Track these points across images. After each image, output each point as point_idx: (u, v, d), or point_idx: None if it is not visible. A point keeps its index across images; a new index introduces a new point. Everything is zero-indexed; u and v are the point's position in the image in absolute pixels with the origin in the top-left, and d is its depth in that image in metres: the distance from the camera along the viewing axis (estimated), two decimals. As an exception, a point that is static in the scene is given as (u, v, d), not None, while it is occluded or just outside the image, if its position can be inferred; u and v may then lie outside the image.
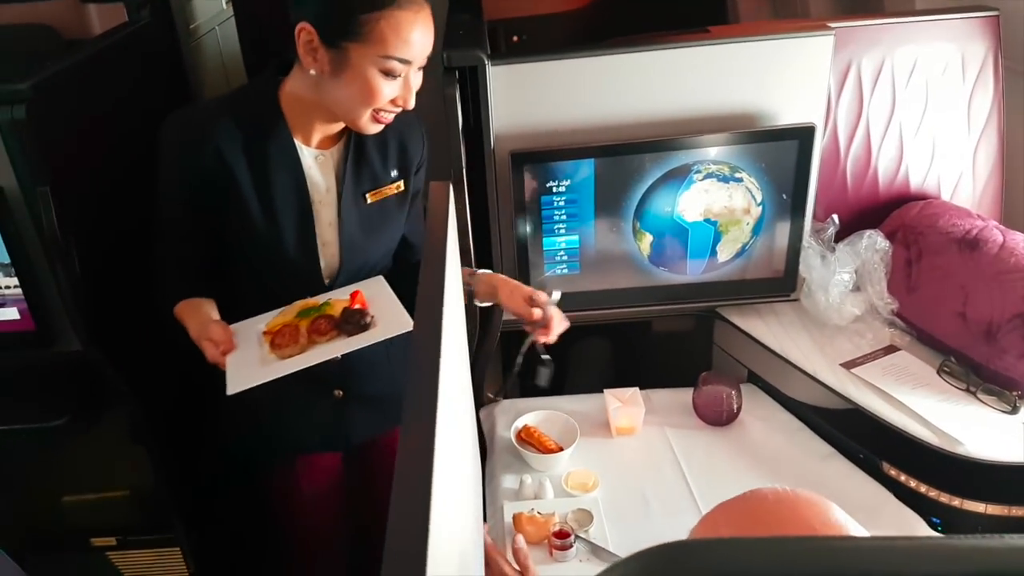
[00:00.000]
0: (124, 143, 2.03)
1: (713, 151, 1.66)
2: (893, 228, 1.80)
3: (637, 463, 1.64)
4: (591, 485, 1.57)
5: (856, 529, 0.66)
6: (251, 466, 1.76)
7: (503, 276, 1.59)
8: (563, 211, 1.70)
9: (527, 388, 2.18)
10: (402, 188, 1.51)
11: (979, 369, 1.56)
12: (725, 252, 1.79)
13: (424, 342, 0.69)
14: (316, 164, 1.43)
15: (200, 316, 1.40)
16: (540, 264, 1.76)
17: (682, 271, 1.80)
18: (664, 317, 1.99)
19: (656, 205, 1.72)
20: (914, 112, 1.81)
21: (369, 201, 1.47)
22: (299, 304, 1.38)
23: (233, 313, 1.44)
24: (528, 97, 1.64)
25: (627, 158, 1.65)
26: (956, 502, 1.45)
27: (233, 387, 1.22)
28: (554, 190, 1.67)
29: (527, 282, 1.78)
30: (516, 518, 1.47)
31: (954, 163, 1.86)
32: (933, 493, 1.47)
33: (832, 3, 2.47)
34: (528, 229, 1.72)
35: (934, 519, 1.46)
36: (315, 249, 1.45)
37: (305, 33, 1.26)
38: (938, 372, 1.60)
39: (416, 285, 1.50)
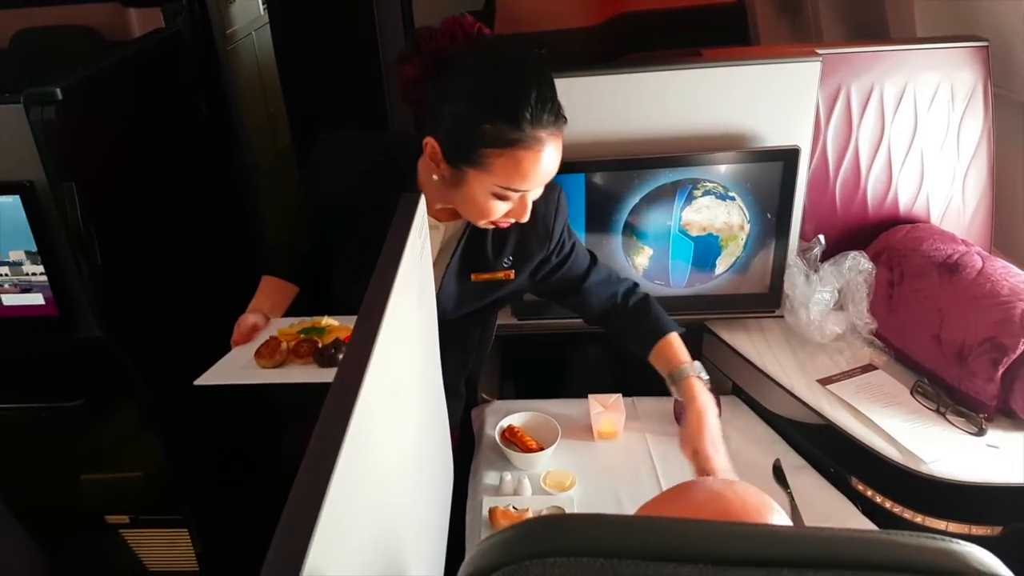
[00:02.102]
0: (153, 142, 2.15)
1: (701, 170, 1.72)
2: (879, 250, 1.84)
3: (615, 466, 1.70)
4: (568, 485, 1.63)
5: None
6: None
7: (699, 409, 1.49)
8: (554, 222, 1.77)
9: (522, 391, 2.26)
10: (512, 277, 1.54)
11: (951, 391, 1.60)
12: (721, 266, 1.85)
13: (355, 352, 0.75)
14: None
15: (258, 300, 1.51)
16: (533, 272, 1.84)
17: (670, 283, 1.86)
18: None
19: (648, 221, 1.78)
20: (903, 137, 1.85)
21: (473, 280, 1.53)
22: (315, 320, 1.46)
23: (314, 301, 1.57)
24: (524, 112, 1.72)
25: (615, 174, 1.72)
26: (919, 519, 1.49)
27: (203, 379, 1.28)
28: (546, 202, 1.75)
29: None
30: (492, 512, 1.54)
31: (944, 188, 1.89)
32: (897, 509, 1.51)
33: (843, 27, 2.52)
34: (521, 238, 1.79)
35: (897, 534, 1.50)
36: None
37: (430, 147, 1.31)
38: (911, 392, 1.64)
39: (625, 336, 1.62)
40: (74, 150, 1.72)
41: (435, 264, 1.51)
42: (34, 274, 1.83)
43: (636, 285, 1.65)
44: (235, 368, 1.33)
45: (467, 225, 1.49)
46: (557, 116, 1.27)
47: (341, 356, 1.28)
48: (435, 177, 1.35)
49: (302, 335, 1.38)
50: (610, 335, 1.67)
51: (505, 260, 1.53)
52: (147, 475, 2.19)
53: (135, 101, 2.06)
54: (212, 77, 2.82)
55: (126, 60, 2.11)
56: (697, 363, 1.57)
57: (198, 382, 1.27)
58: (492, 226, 1.40)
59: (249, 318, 1.43)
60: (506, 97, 1.23)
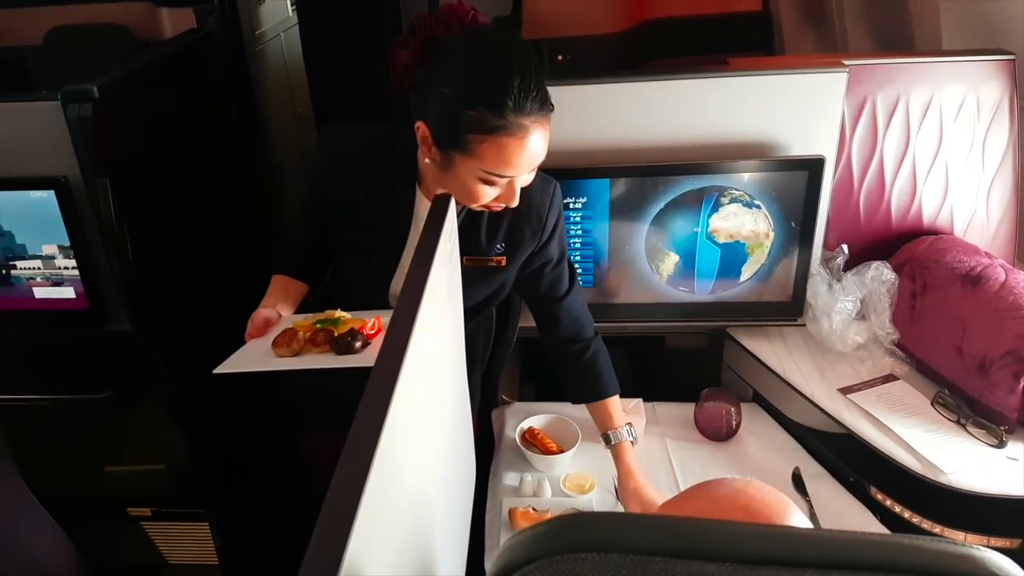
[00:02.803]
0: (184, 141, 2.18)
1: (725, 178, 1.73)
2: (902, 261, 1.85)
3: (634, 470, 1.71)
4: (587, 487, 1.64)
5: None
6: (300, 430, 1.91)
7: (632, 466, 1.61)
8: (578, 226, 1.79)
9: (542, 393, 2.27)
10: (503, 264, 1.56)
11: (971, 402, 1.60)
12: (746, 273, 1.85)
13: (389, 351, 0.77)
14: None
15: (270, 298, 1.54)
16: (556, 275, 1.85)
17: (694, 290, 1.87)
18: (677, 334, 2.06)
19: (674, 227, 1.79)
20: (928, 148, 1.85)
21: (465, 263, 1.54)
22: (328, 313, 1.49)
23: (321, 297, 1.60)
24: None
25: (640, 180, 1.74)
26: (938, 529, 1.49)
27: (222, 368, 1.30)
28: (571, 206, 1.77)
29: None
30: (512, 512, 1.56)
31: (968, 200, 1.89)
32: (916, 519, 1.51)
33: (869, 38, 2.52)
34: (545, 241, 1.81)
35: (915, 544, 1.50)
36: (386, 286, 1.57)
37: (421, 131, 1.34)
38: (932, 403, 1.64)
39: (576, 375, 1.68)
40: (108, 147, 1.75)
41: None
42: (66, 268, 1.86)
43: (598, 333, 1.71)
44: (253, 357, 1.35)
45: (463, 209, 1.51)
46: (542, 104, 1.28)
47: (358, 344, 1.32)
48: (427, 160, 1.38)
49: (318, 326, 1.41)
50: (557, 365, 1.72)
51: (498, 246, 1.55)
52: (170, 469, 2.23)
53: (168, 100, 2.09)
54: (241, 77, 2.85)
55: (160, 59, 2.15)
56: (628, 426, 1.66)
57: (217, 371, 1.29)
58: (484, 209, 1.42)
59: (262, 312, 1.45)
60: (489, 84, 1.24)
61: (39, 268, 1.87)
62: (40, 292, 1.89)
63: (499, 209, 1.42)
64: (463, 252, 1.54)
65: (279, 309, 1.49)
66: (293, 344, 1.34)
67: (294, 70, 3.73)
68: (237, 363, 1.33)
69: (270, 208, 2.97)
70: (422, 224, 1.48)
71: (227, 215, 2.42)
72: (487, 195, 1.36)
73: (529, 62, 1.27)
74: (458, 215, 1.52)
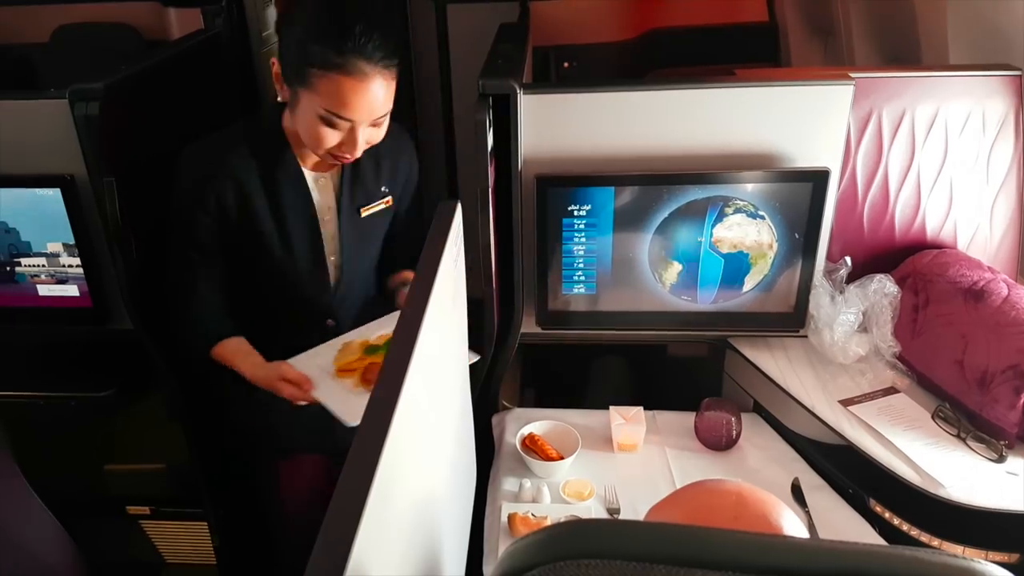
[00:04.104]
0: (190, 141, 2.18)
1: (730, 188, 1.74)
2: (905, 274, 1.85)
3: (634, 478, 1.71)
4: (587, 494, 1.64)
5: (797, 532, 0.71)
6: (248, 462, 1.95)
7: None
8: (582, 234, 1.79)
9: (542, 400, 2.28)
10: (390, 203, 1.66)
11: (972, 417, 1.60)
12: (748, 284, 1.85)
13: (394, 358, 0.77)
14: (317, 186, 1.58)
15: (254, 358, 1.55)
16: (559, 282, 1.85)
17: (697, 299, 1.87)
18: (679, 342, 2.07)
19: (678, 236, 1.79)
20: (933, 162, 1.85)
21: (363, 215, 1.63)
22: (362, 340, 1.48)
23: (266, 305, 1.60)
24: (556, 125, 1.74)
25: (645, 189, 1.74)
26: (936, 542, 1.49)
27: (354, 419, 1.30)
28: (575, 213, 1.77)
29: (545, 298, 1.87)
30: (511, 518, 1.56)
31: (971, 215, 1.89)
32: (915, 532, 1.51)
33: (876, 52, 2.53)
34: (548, 248, 1.81)
35: (913, 557, 1.51)
36: (324, 263, 1.60)
37: (275, 66, 1.42)
38: (932, 416, 1.64)
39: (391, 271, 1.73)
40: (115, 146, 1.75)
41: (331, 212, 1.61)
42: (70, 266, 1.87)
43: None
44: (356, 398, 1.37)
45: (344, 166, 1.58)
46: (385, 53, 1.34)
47: None
48: (280, 99, 1.44)
49: (367, 355, 1.41)
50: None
51: (383, 187, 1.64)
52: (170, 468, 2.23)
53: (175, 100, 2.09)
54: (248, 79, 2.85)
55: (168, 59, 2.15)
56: None
57: (354, 423, 1.29)
58: (332, 160, 1.47)
59: (285, 369, 1.48)
60: (334, 24, 1.32)
61: (43, 265, 1.87)
62: (44, 289, 1.89)
63: (346, 160, 1.47)
64: (359, 205, 1.62)
65: (275, 365, 1.51)
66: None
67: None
68: (357, 409, 1.32)
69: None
70: (318, 196, 1.57)
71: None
72: (329, 138, 1.40)
73: (377, 13, 1.34)
74: (343, 169, 1.59)
